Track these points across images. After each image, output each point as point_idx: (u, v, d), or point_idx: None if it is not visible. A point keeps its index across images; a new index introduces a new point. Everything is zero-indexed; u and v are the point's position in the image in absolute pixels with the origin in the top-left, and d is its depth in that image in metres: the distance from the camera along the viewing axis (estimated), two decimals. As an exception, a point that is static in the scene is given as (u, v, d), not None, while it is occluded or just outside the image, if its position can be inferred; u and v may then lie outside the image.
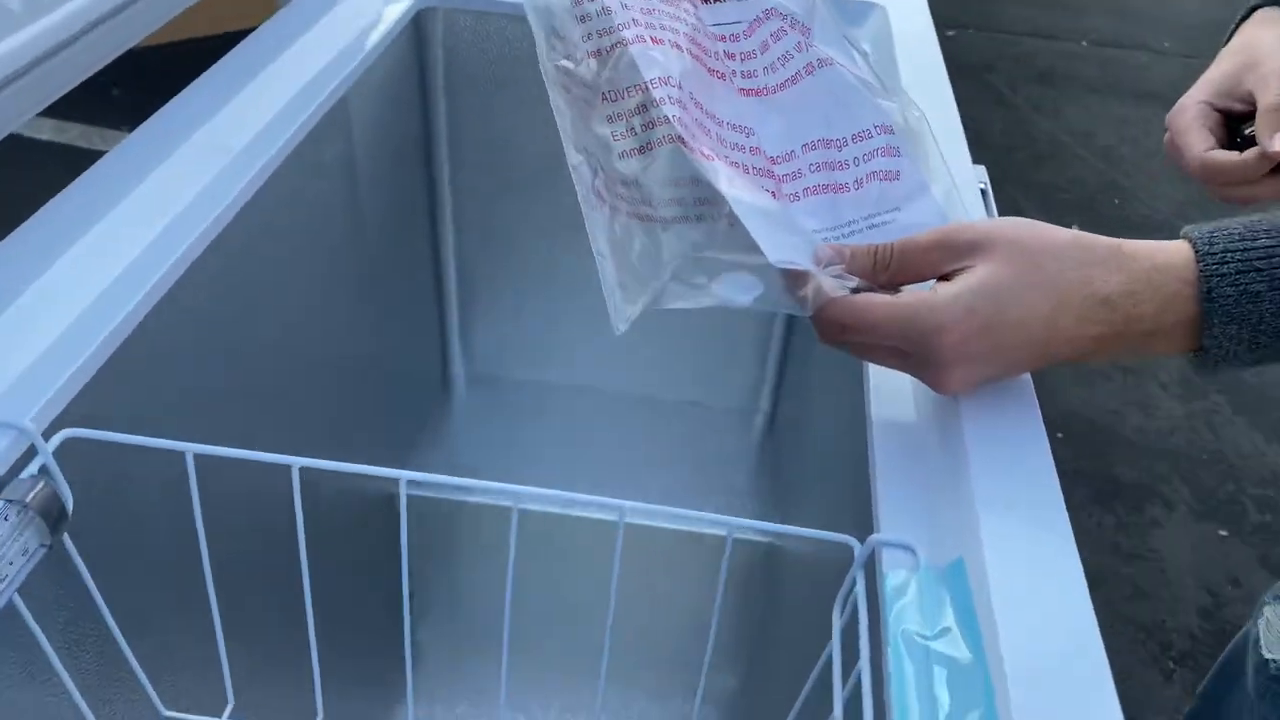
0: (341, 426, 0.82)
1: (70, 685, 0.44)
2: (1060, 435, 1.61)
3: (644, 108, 0.44)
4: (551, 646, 0.89)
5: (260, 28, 0.73)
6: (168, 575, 0.53)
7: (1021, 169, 2.18)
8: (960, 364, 0.42)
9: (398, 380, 0.95)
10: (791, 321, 0.96)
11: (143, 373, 0.51)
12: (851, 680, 0.37)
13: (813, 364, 0.84)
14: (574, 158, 0.45)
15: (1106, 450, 1.60)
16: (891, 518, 0.40)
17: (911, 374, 0.45)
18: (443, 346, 1.04)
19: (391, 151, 0.83)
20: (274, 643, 0.58)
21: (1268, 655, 0.69)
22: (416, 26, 0.83)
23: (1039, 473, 0.40)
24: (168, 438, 0.42)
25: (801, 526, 0.41)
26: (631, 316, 0.44)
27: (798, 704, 0.43)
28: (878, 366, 0.47)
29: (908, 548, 0.39)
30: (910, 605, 0.37)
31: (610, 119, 0.44)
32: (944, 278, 0.43)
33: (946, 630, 0.35)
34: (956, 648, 0.35)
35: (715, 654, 0.97)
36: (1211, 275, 0.42)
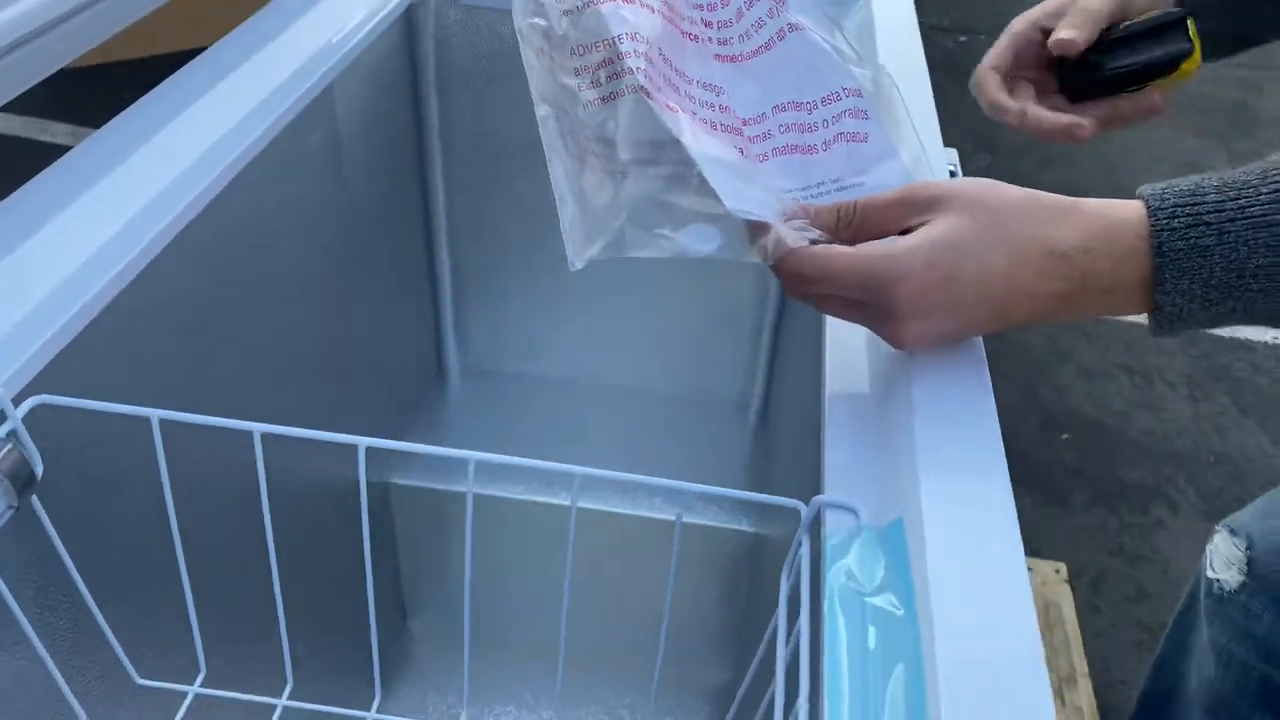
0: (332, 415, 0.83)
1: (42, 652, 0.45)
2: (1066, 436, 1.61)
3: (610, 61, 0.45)
4: (533, 632, 0.90)
5: (249, 20, 0.74)
6: (142, 544, 0.54)
7: (1031, 173, 2.18)
8: (917, 317, 0.43)
9: (391, 371, 0.96)
10: (783, 310, 0.97)
11: (118, 350, 0.52)
12: (793, 639, 0.38)
13: (799, 350, 0.84)
14: (541, 109, 0.46)
15: (1113, 451, 1.59)
16: (837, 480, 0.41)
17: (870, 328, 0.45)
18: (437, 338, 1.05)
19: (382, 143, 0.84)
20: (249, 614, 0.59)
21: (1211, 575, 0.71)
22: (408, 20, 0.84)
23: (984, 436, 0.41)
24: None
25: (785, 516, 0.41)
26: (590, 255, 0.45)
27: (750, 670, 0.44)
28: (834, 336, 0.48)
29: (850, 509, 0.39)
30: (850, 564, 0.37)
31: (577, 71, 0.45)
32: (904, 233, 0.44)
33: (881, 587, 0.36)
34: (890, 603, 0.35)
35: (706, 647, 0.98)
36: (1162, 230, 0.42)
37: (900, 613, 0.35)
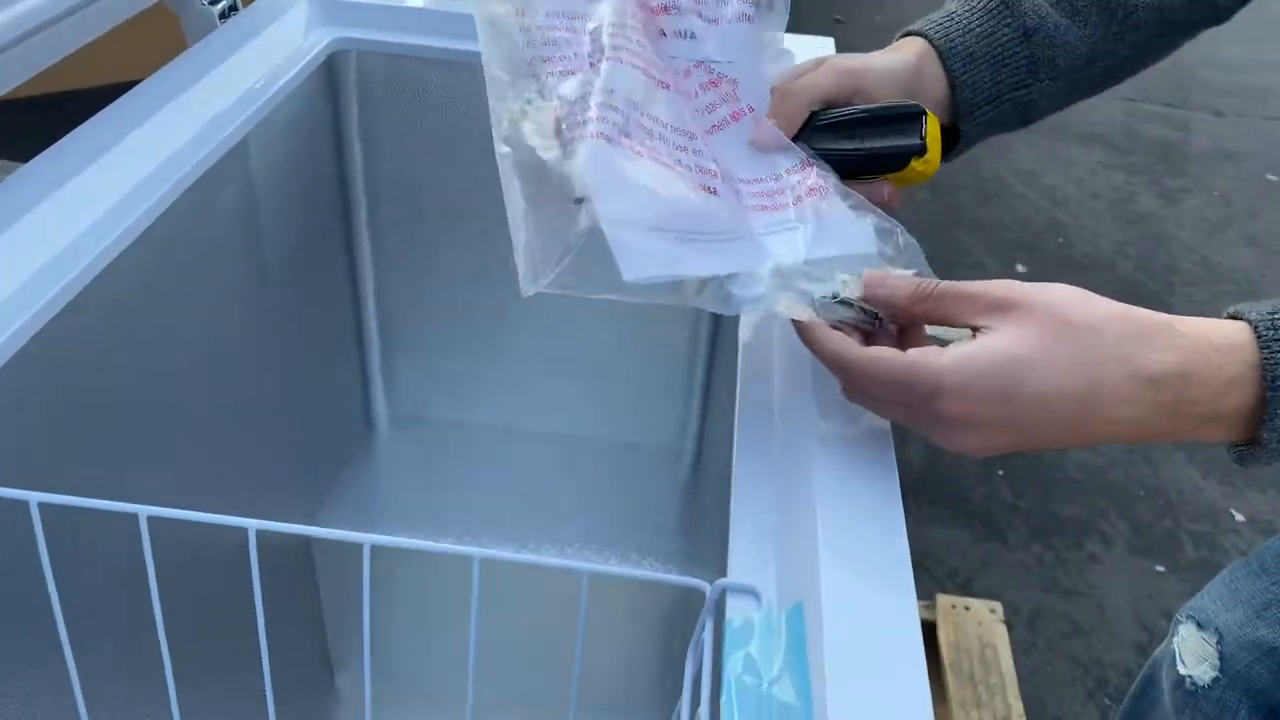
0: (259, 470, 0.81)
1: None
2: (1001, 473, 1.62)
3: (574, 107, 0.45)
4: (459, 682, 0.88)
5: (164, 68, 0.73)
6: (29, 632, 0.52)
7: (967, 208, 2.21)
8: (968, 429, 0.40)
9: (317, 421, 0.94)
10: (714, 357, 0.97)
11: (14, 416, 0.50)
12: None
13: (728, 401, 0.84)
14: (502, 148, 0.46)
15: (1048, 486, 1.61)
16: (743, 560, 0.40)
17: (920, 429, 0.42)
18: (364, 388, 1.03)
19: (302, 193, 0.83)
20: (152, 695, 0.56)
21: (1183, 672, 0.70)
22: (329, 68, 0.83)
23: (887, 517, 0.40)
24: (46, 486, 0.41)
25: (710, 568, 0.40)
26: (541, 285, 0.44)
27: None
28: (746, 397, 0.47)
29: (751, 591, 0.39)
30: (751, 649, 0.37)
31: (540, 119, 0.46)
32: (975, 330, 0.41)
33: (779, 676, 0.35)
34: (787, 693, 0.35)
35: (635, 697, 0.96)
36: (1275, 360, 0.39)
37: (798, 704, 0.34)
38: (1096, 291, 0.42)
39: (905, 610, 0.37)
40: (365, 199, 0.91)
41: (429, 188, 0.91)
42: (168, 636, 0.47)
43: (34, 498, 0.42)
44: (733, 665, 0.36)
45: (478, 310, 0.99)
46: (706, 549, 0.86)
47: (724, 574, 0.54)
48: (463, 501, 1.00)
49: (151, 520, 0.42)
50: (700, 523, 0.96)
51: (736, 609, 0.38)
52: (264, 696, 0.51)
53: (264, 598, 0.72)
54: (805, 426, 0.46)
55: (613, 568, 0.41)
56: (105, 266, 0.55)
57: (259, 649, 0.46)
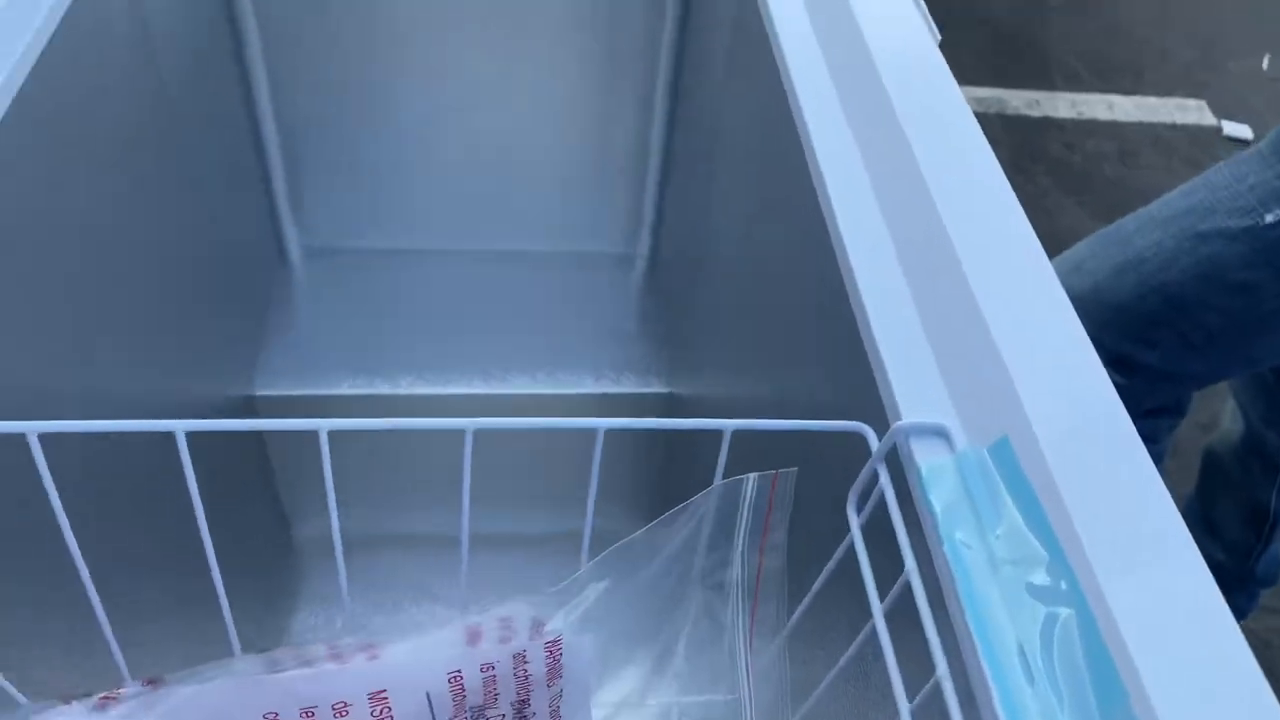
0: (179, 321, 0.70)
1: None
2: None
3: None
4: (440, 524, 0.83)
5: None
6: None
7: None
8: None
9: (229, 262, 0.82)
10: (670, 147, 0.89)
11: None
12: (896, 588, 0.33)
13: (705, 196, 0.77)
14: None
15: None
16: (910, 398, 0.35)
17: None
18: (273, 218, 0.91)
19: (183, 6, 0.68)
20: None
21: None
22: None
23: (1072, 338, 0.36)
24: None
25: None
26: None
27: (796, 614, 0.39)
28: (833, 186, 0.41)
29: (941, 432, 0.34)
30: (957, 499, 0.32)
31: None
32: None
33: (1012, 529, 0.31)
34: (1025, 544, 0.31)
35: (626, 511, 0.94)
36: None
37: (1044, 554, 0.30)
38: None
39: (1124, 429, 0.33)
40: (253, 6, 0.76)
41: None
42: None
43: (34, 428, 0.33)
44: (947, 520, 0.32)
45: (385, 117, 0.87)
46: (693, 361, 0.81)
47: (757, 389, 0.49)
48: (396, 338, 0.92)
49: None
50: (669, 330, 0.91)
51: (919, 450, 0.34)
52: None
53: (212, 463, 0.64)
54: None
55: (755, 422, 0.35)
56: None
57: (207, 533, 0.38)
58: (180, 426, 0.34)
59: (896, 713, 0.31)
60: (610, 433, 0.35)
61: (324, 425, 0.35)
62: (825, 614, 0.39)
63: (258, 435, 0.86)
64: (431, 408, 0.82)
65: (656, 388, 0.85)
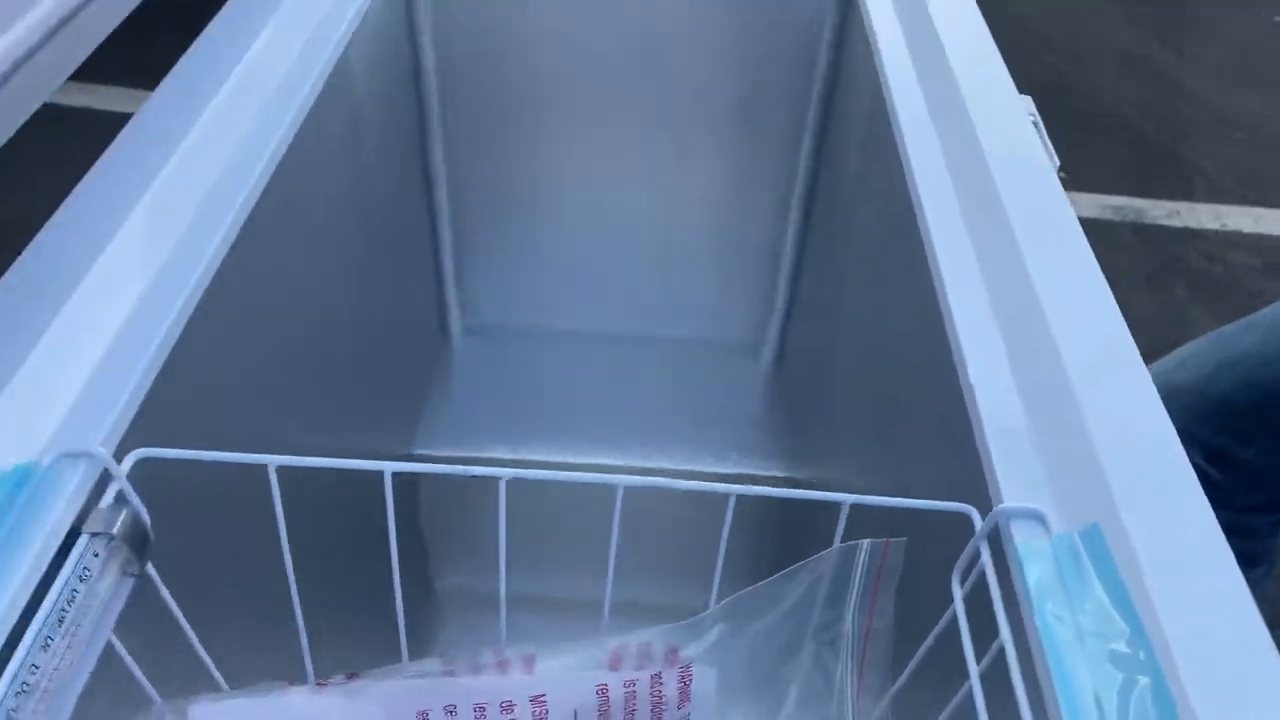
0: (348, 388, 0.80)
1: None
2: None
3: None
4: (576, 590, 0.89)
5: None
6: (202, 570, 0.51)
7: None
8: None
9: (400, 333, 0.92)
10: (803, 243, 0.95)
11: (185, 374, 0.48)
12: (991, 654, 0.37)
13: (832, 291, 0.83)
14: None
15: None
16: (1011, 483, 0.40)
17: None
18: (439, 297, 1.01)
19: (386, 101, 0.78)
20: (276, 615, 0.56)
21: None
22: (402, -33, 0.78)
23: (1161, 436, 0.40)
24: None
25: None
26: None
27: (904, 676, 0.43)
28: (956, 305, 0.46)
29: (1038, 516, 0.38)
30: (1050, 577, 0.36)
31: None
32: None
33: (1098, 605, 0.35)
34: (1109, 621, 0.35)
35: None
36: None
37: (1125, 630, 0.34)
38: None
39: (1206, 522, 0.37)
40: (439, 106, 0.87)
41: (502, 93, 0.87)
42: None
43: (271, 460, 0.40)
44: (1039, 595, 0.36)
45: (549, 213, 0.96)
46: (813, 449, 0.86)
47: (872, 473, 0.53)
48: (541, 411, 0.99)
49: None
50: (792, 417, 0.96)
51: (1018, 532, 0.38)
52: (373, 612, 0.51)
53: (367, 515, 0.72)
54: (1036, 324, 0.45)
55: (871, 498, 0.40)
56: (253, 205, 0.52)
57: (372, 570, 0.45)
58: (388, 467, 0.41)
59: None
60: (735, 508, 0.41)
61: (505, 474, 0.41)
62: (926, 684, 0.43)
63: (413, 492, 0.95)
64: (598, 494, 0.89)
65: (777, 471, 0.90)
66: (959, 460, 0.44)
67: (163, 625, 0.42)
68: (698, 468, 0.91)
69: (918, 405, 0.54)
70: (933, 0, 0.69)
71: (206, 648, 0.43)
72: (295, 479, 0.43)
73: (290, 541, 0.43)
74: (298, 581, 0.44)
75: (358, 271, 0.76)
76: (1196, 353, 0.88)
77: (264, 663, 0.44)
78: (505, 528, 0.43)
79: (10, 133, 0.58)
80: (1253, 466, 0.85)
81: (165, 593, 0.41)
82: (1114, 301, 0.46)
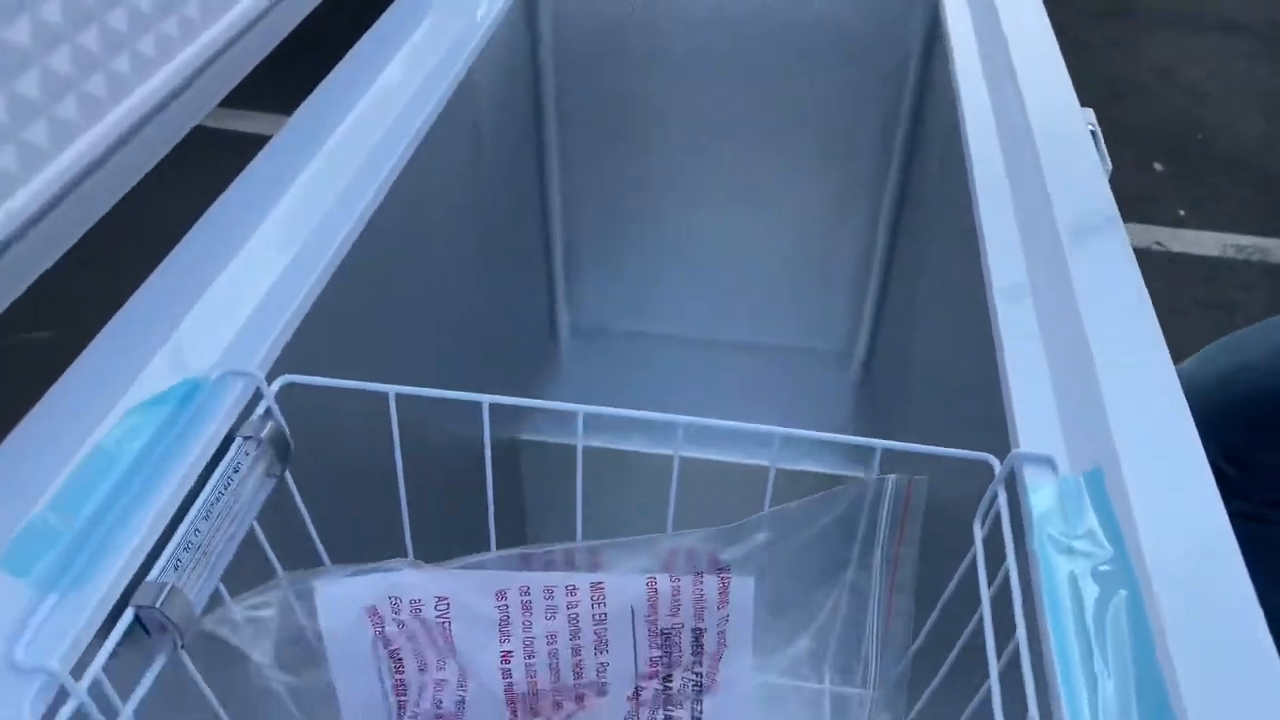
0: (463, 378, 0.88)
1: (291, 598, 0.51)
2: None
3: None
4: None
5: (383, 16, 0.78)
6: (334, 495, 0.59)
7: (1098, 107, 2.16)
8: None
9: (510, 333, 1.01)
10: (890, 259, 1.00)
11: (324, 325, 0.56)
12: (997, 581, 0.42)
13: (913, 306, 0.87)
14: None
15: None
16: (1028, 433, 0.44)
17: None
18: (550, 300, 1.09)
19: (506, 114, 0.88)
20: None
21: None
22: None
23: (1165, 388, 0.44)
24: (354, 378, 0.48)
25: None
26: None
27: (936, 610, 0.48)
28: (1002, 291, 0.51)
29: (1048, 460, 0.43)
30: (1053, 512, 0.41)
31: None
32: None
33: (1090, 531, 0.40)
34: (1099, 544, 0.39)
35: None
36: None
37: (1110, 552, 0.38)
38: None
39: (1199, 470, 0.41)
40: (555, 120, 0.96)
41: (615, 107, 0.95)
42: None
43: (391, 389, 0.48)
44: (1040, 525, 0.40)
45: (653, 224, 1.03)
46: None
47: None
48: (639, 407, 1.06)
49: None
50: (877, 422, 1.01)
51: (1031, 477, 0.43)
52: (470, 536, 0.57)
53: (474, 495, 0.80)
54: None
55: (900, 444, 0.46)
56: (385, 195, 0.61)
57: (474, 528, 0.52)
58: (486, 399, 0.48)
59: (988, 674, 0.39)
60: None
61: (581, 409, 0.48)
62: (945, 637, 0.47)
63: (518, 478, 1.02)
64: (666, 466, 0.95)
65: (859, 472, 0.94)
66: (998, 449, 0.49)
67: (292, 524, 0.50)
68: (785, 466, 0.96)
69: (963, 405, 0.59)
70: (1007, 19, 0.74)
71: (325, 547, 0.51)
72: (411, 420, 0.51)
73: (404, 463, 0.51)
74: (406, 491, 0.51)
75: (475, 271, 0.85)
76: (1221, 350, 0.89)
77: (372, 559, 0.52)
78: (582, 459, 0.50)
79: (165, 151, 0.69)
80: (1265, 467, 0.85)
81: (297, 497, 0.49)
82: (1149, 303, 0.50)
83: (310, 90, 0.68)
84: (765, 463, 0.49)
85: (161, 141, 0.67)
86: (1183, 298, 1.78)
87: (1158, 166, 2.03)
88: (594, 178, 1.00)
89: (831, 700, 0.54)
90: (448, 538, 0.74)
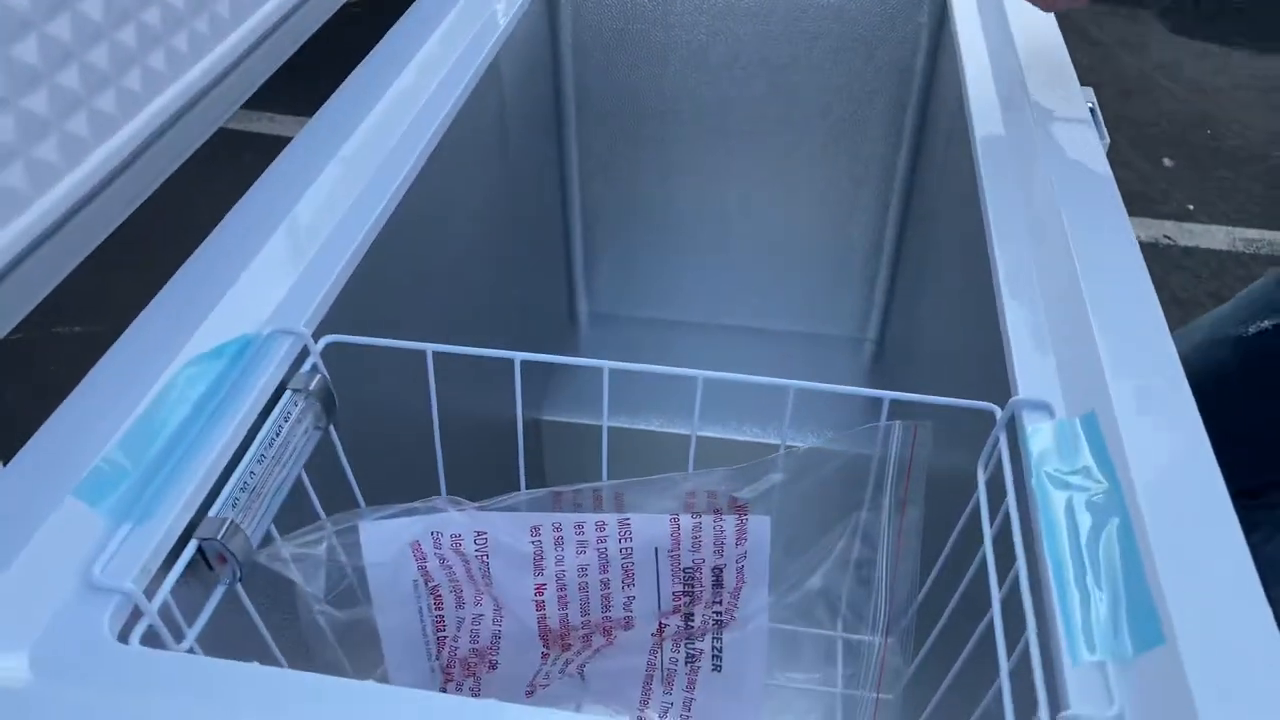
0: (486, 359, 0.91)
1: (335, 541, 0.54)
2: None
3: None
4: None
5: (409, 10, 0.81)
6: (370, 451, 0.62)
7: (1109, 104, 2.19)
8: None
9: (531, 317, 1.04)
10: (900, 247, 1.02)
11: (361, 297, 0.60)
12: (998, 520, 0.44)
13: (922, 292, 0.90)
14: None
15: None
16: (1027, 382, 0.47)
17: None
18: (569, 287, 1.12)
19: (529, 105, 0.91)
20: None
21: None
22: (548, -12, 0.91)
23: (1156, 339, 0.47)
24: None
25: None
26: None
27: (946, 549, 0.51)
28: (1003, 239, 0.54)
29: (1046, 406, 0.46)
30: (1050, 451, 0.44)
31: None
32: None
33: (1085, 467, 0.42)
34: (1093, 479, 0.42)
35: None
36: None
37: (1105, 485, 0.41)
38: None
39: (1186, 410, 0.43)
40: (575, 108, 0.99)
41: (631, 98, 0.98)
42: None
43: (429, 347, 0.51)
44: (1039, 464, 0.43)
45: (669, 213, 1.06)
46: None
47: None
48: (655, 390, 1.09)
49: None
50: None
51: (1030, 422, 0.45)
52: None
53: (502, 466, 0.82)
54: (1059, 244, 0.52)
55: (908, 395, 0.48)
56: (415, 177, 0.64)
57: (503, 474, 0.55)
58: (518, 356, 0.51)
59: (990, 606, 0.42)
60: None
61: (606, 365, 0.51)
62: (950, 584, 0.50)
63: (540, 458, 1.05)
64: (681, 446, 0.98)
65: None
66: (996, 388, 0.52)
67: (333, 477, 0.53)
68: (796, 443, 0.98)
69: (971, 386, 0.62)
70: (1011, 6, 0.77)
71: (364, 495, 0.54)
72: (443, 385, 0.54)
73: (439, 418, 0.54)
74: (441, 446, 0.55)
75: (498, 255, 0.88)
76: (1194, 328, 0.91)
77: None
78: (608, 413, 0.53)
79: (190, 150, 0.73)
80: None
81: (340, 449, 0.53)
82: (1148, 280, 0.52)
83: (329, 94, 0.71)
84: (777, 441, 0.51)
85: (184, 146, 0.70)
86: (1195, 290, 1.80)
87: (1168, 162, 2.05)
88: (612, 166, 1.03)
89: (844, 645, 0.56)
90: (478, 494, 0.78)
